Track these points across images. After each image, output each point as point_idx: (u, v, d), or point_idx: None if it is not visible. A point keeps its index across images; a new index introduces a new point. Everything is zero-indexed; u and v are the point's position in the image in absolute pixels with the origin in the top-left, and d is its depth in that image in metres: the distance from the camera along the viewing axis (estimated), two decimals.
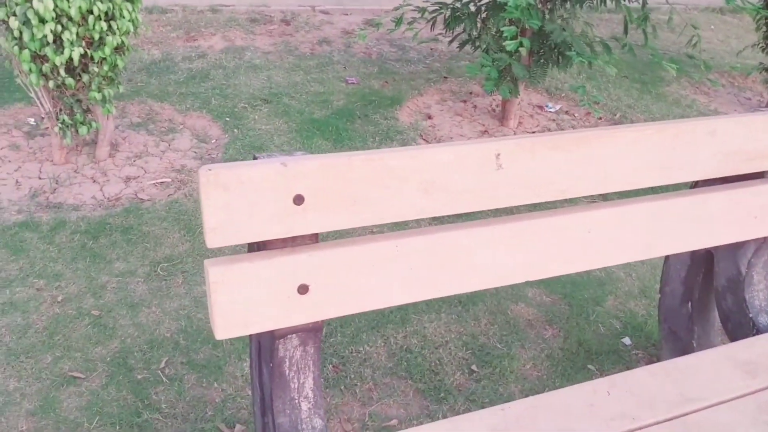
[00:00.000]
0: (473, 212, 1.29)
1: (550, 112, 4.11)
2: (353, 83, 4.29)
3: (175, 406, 1.81)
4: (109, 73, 2.99)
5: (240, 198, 1.10)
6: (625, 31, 3.32)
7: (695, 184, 1.66)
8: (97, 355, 2.01)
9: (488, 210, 1.29)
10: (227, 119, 3.68)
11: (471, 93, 4.27)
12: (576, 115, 4.03)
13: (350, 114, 3.85)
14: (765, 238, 1.62)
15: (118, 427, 1.74)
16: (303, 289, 1.16)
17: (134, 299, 2.30)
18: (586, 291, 2.46)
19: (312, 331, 1.23)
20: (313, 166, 1.14)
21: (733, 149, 1.46)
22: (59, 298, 2.28)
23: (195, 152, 3.42)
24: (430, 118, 3.95)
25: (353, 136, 3.63)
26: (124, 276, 2.43)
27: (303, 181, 1.14)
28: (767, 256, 1.67)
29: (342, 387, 1.94)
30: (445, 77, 4.49)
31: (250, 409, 1.82)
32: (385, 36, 5.39)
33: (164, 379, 1.92)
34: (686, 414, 1.26)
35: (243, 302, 1.13)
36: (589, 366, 2.08)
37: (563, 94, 4.26)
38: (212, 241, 1.10)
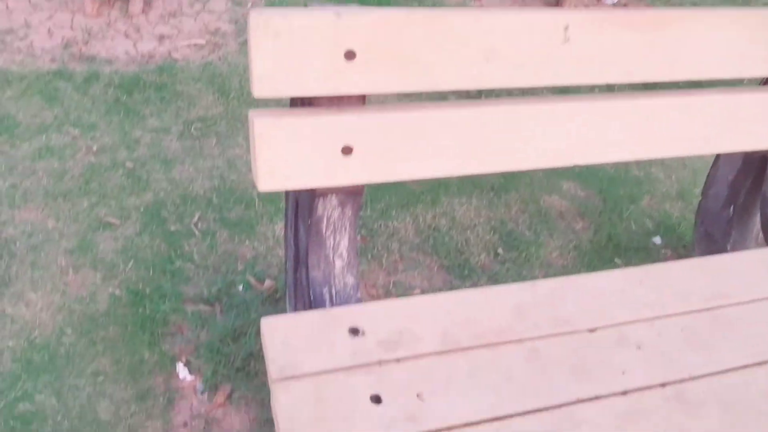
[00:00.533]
0: (530, 88, 1.22)
1: (607, 3, 3.82)
2: None
3: (207, 258, 1.88)
4: None
5: (290, 47, 1.05)
6: None
7: (765, 82, 1.55)
8: (131, 204, 2.07)
9: (547, 87, 1.22)
10: None
11: None
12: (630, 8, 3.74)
13: None
14: None
15: (151, 272, 1.82)
16: (347, 151, 1.14)
17: (167, 155, 2.31)
18: (622, 188, 2.42)
19: (352, 194, 1.23)
20: (368, 20, 1.07)
21: None
22: (94, 148, 2.31)
23: (230, 16, 3.29)
24: None
25: (398, 2, 3.46)
26: (158, 132, 2.43)
27: (356, 35, 1.07)
28: None
29: (369, 256, 1.99)
30: None
31: (280, 267, 1.88)
32: None
33: (197, 232, 1.97)
34: (718, 307, 1.26)
35: (286, 156, 1.12)
36: (616, 260, 2.09)
37: None
38: (259, 89, 1.07)
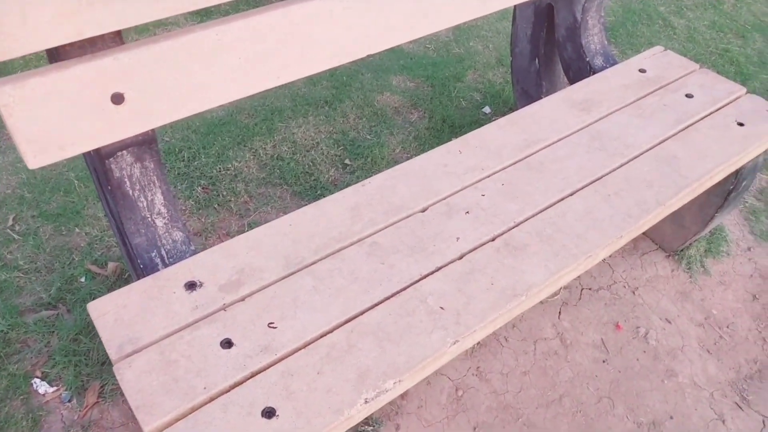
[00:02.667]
0: None
1: None
2: None
3: (35, 260, 1.70)
4: None
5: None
6: None
7: None
8: None
9: None
10: None
11: None
12: None
13: None
14: None
15: None
16: (117, 99, 1.03)
17: None
18: (447, 70, 2.46)
19: (145, 144, 1.13)
20: None
21: None
22: None
23: None
24: None
25: None
26: None
27: None
28: (599, 0, 1.70)
29: (215, 205, 1.90)
30: None
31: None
32: None
33: (15, 236, 1.77)
34: (530, 155, 1.34)
35: (49, 123, 0.99)
36: (454, 139, 2.15)
37: None
38: None
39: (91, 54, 1.01)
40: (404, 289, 1.06)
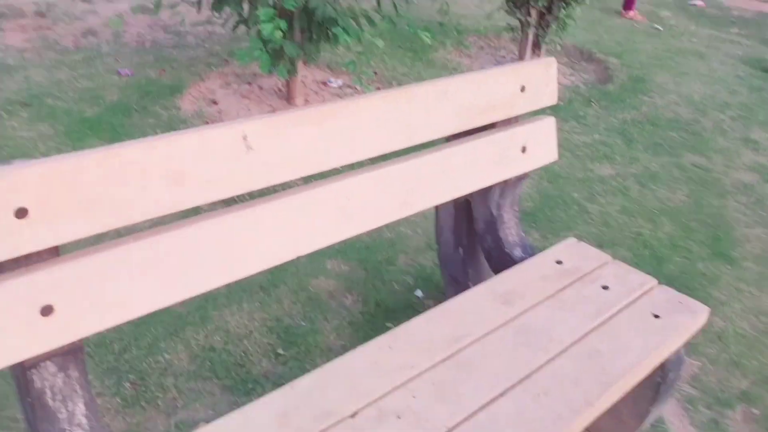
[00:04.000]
0: (231, 198, 1.26)
1: (334, 87, 4.20)
2: (127, 75, 4.07)
3: None
4: None
5: None
6: (378, 2, 3.48)
7: (449, 139, 1.82)
8: None
9: (246, 193, 1.27)
10: None
11: (255, 74, 4.19)
12: (358, 88, 4.17)
13: (126, 108, 3.59)
14: (506, 181, 1.83)
15: None
16: (47, 311, 1.04)
17: None
18: (379, 253, 2.59)
19: (71, 354, 1.11)
20: (35, 174, 1.01)
21: (466, 105, 1.61)
22: None
23: None
24: (215, 103, 3.80)
25: (132, 131, 3.38)
26: None
27: (24, 192, 1.01)
28: (512, 197, 1.90)
29: (143, 403, 1.81)
30: (226, 60, 4.35)
31: None
32: (159, 23, 5.08)
33: None
34: (458, 351, 1.38)
35: None
36: (388, 324, 2.20)
37: (344, 69, 4.38)
38: None
39: (26, 267, 1.04)
40: None
